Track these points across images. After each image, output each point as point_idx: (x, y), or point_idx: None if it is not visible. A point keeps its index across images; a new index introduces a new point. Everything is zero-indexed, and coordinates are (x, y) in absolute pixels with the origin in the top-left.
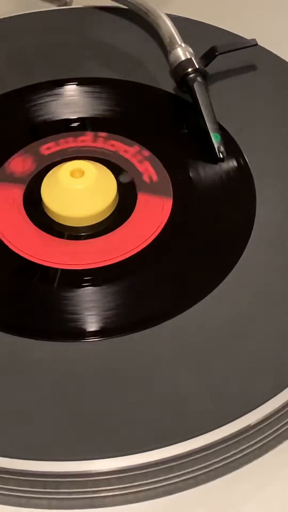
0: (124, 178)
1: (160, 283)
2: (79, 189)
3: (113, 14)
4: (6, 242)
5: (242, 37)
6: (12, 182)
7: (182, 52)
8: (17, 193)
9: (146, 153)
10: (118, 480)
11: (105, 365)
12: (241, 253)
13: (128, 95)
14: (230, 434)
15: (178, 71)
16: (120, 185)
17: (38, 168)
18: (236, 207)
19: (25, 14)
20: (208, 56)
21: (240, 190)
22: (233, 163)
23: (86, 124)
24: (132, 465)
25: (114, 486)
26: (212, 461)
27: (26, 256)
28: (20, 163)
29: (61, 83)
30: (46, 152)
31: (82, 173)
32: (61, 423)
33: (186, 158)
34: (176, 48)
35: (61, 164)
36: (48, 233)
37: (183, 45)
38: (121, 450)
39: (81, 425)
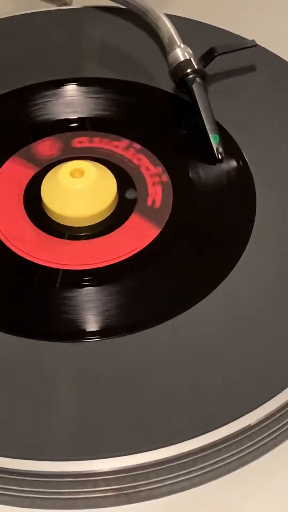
0: (130, 194)
1: (160, 283)
2: (79, 189)
3: (112, 15)
4: (6, 242)
5: (242, 37)
6: (30, 162)
7: (181, 52)
8: (27, 174)
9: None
10: (118, 480)
11: (105, 365)
12: (241, 253)
13: (127, 95)
14: (230, 434)
15: (177, 72)
16: (119, 185)
17: (61, 157)
18: (236, 207)
19: (25, 14)
20: (207, 57)
21: (240, 190)
22: (233, 163)
23: (86, 123)
24: (133, 465)
25: (114, 486)
26: (212, 461)
27: (26, 256)
28: (48, 147)
29: (61, 83)
30: (77, 146)
31: (82, 173)
32: (61, 423)
33: (185, 158)
34: (175, 49)
35: (61, 164)
36: (48, 233)
37: (182, 45)
38: (121, 450)
39: (81, 425)
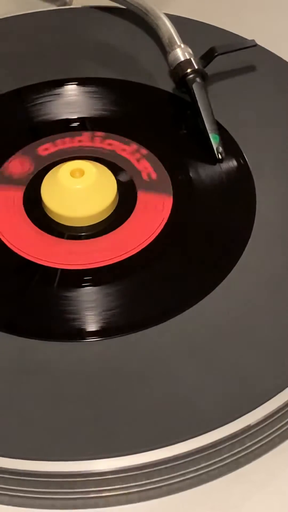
0: (123, 177)
1: (160, 283)
2: (79, 189)
3: (112, 14)
4: (6, 242)
5: (242, 37)
6: (11, 184)
7: (181, 52)
8: (17, 194)
9: (144, 151)
10: (119, 480)
11: (105, 365)
12: (241, 253)
13: (127, 95)
14: (230, 434)
15: (177, 72)
16: (119, 185)
17: (36, 169)
18: (236, 207)
19: (25, 14)
20: (207, 57)
21: (240, 190)
22: (233, 163)
23: (85, 124)
24: (132, 465)
25: (114, 486)
26: (212, 461)
27: (26, 256)
28: (19, 165)
29: (61, 83)
30: (44, 153)
31: (82, 173)
32: (62, 423)
33: (185, 158)
34: (175, 49)
35: (61, 164)
36: (48, 233)
37: (182, 45)
38: (121, 450)
39: (81, 425)
